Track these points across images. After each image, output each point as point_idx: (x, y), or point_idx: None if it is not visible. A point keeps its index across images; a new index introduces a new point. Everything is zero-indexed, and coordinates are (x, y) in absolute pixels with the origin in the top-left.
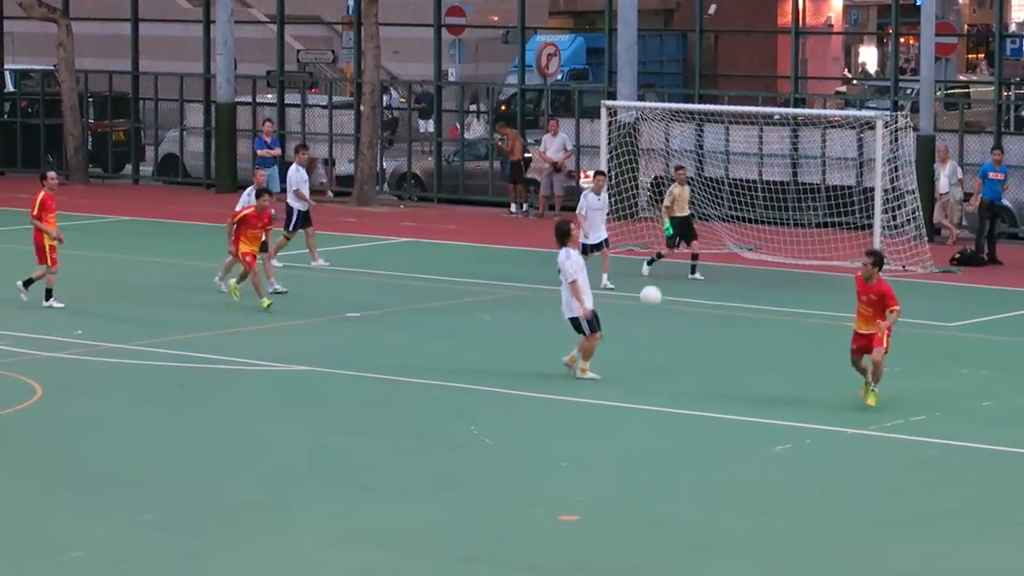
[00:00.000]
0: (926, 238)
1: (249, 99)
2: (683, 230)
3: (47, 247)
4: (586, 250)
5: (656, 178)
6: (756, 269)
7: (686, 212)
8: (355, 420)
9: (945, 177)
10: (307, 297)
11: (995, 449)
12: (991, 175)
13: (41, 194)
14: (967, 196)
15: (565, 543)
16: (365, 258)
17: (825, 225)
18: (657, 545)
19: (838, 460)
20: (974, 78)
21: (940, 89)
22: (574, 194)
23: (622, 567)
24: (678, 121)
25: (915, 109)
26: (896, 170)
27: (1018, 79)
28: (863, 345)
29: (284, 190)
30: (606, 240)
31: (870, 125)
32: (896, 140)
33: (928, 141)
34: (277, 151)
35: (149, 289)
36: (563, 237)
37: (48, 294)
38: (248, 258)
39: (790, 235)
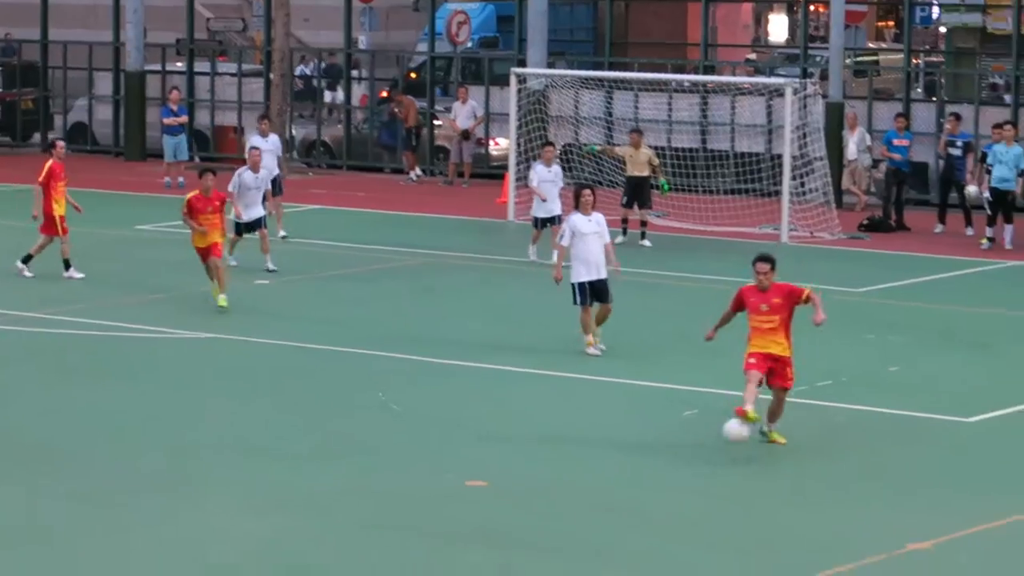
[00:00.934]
0: (834, 204)
1: (159, 67)
2: (637, 192)
3: (56, 217)
4: (537, 223)
5: (565, 146)
6: (665, 235)
7: (643, 173)
8: (264, 387)
9: (854, 144)
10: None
11: (901, 414)
12: (895, 142)
13: (50, 162)
14: (875, 163)
15: (474, 509)
16: (274, 225)
17: (734, 192)
18: (565, 510)
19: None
20: (883, 45)
21: (849, 56)
22: (483, 161)
23: (531, 532)
24: (588, 89)
25: (824, 76)
26: (805, 137)
27: (927, 47)
28: (771, 368)
29: (192, 159)
30: (559, 216)
31: (779, 92)
32: (805, 107)
33: (837, 108)
34: (184, 119)
35: (59, 258)
36: (575, 200)
37: (67, 264)
38: (200, 254)
39: (699, 202)
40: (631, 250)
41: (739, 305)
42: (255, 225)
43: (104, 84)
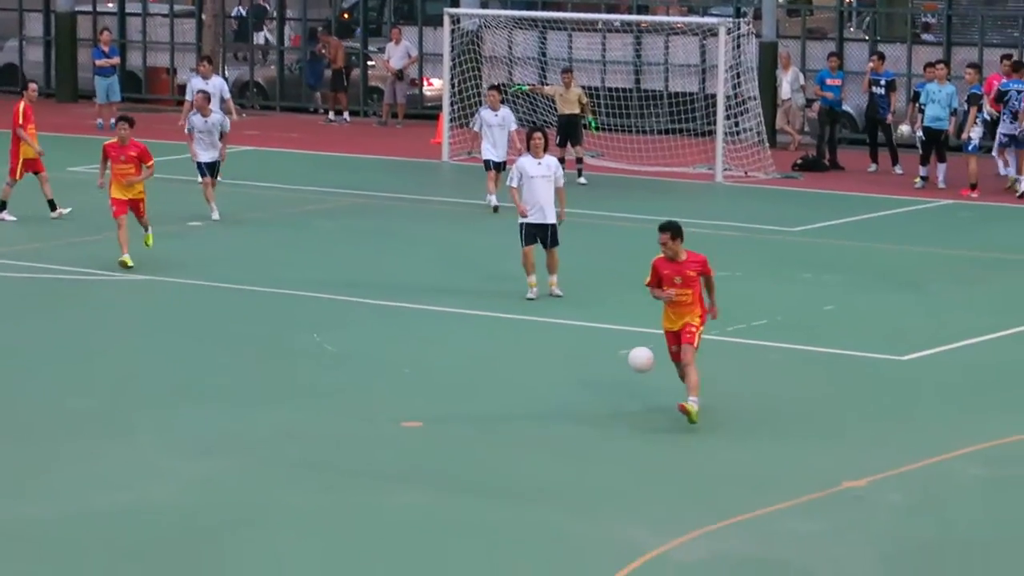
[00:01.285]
0: (768, 144)
1: (90, 8)
2: (569, 130)
3: (21, 161)
4: (489, 166)
5: (499, 86)
6: (600, 175)
7: (574, 111)
8: (196, 329)
9: (787, 83)
10: (149, 206)
11: (836, 353)
12: (828, 81)
13: (22, 104)
14: (809, 102)
15: (408, 449)
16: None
17: (668, 132)
18: (500, 451)
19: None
20: None
21: None
22: (416, 102)
23: (466, 473)
24: (521, 29)
25: (758, 16)
26: (738, 76)
27: None
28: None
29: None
30: (503, 163)
31: (713, 32)
32: (739, 47)
33: (770, 48)
34: (115, 60)
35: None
36: (526, 142)
37: (2, 205)
38: (114, 207)
39: (633, 142)
40: (568, 189)
41: (655, 278)
42: (214, 167)
43: (35, 25)
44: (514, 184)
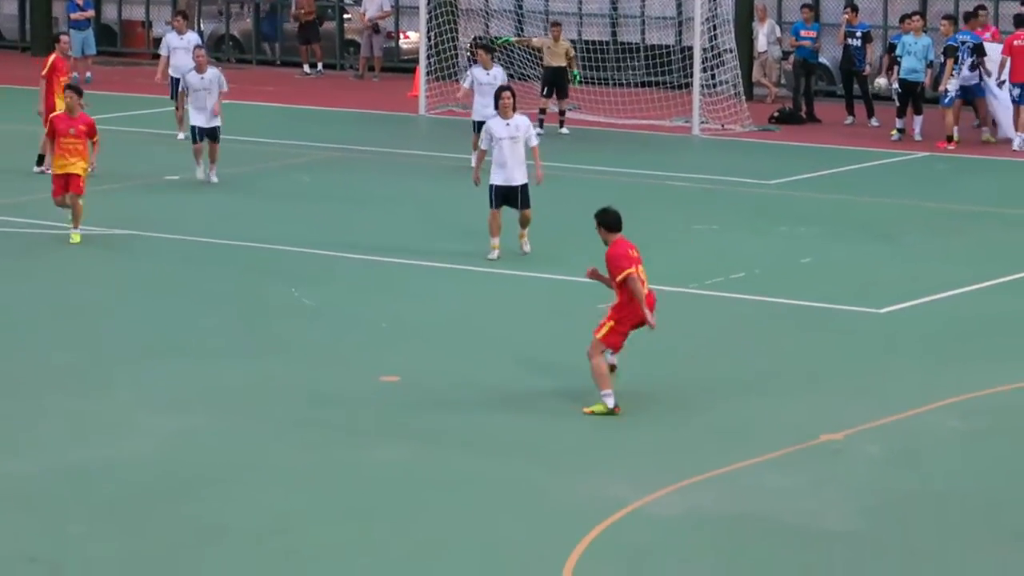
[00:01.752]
0: (744, 97)
1: None
2: (555, 81)
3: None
4: (475, 127)
5: (476, 39)
6: (577, 128)
7: (562, 64)
8: (173, 284)
9: (763, 36)
10: (126, 160)
11: (814, 306)
12: (803, 32)
13: (53, 56)
14: (785, 55)
15: (386, 404)
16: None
17: (645, 84)
18: (474, 404)
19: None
20: None
21: None
22: (393, 55)
23: (444, 427)
24: None
25: None
26: (715, 29)
27: None
28: None
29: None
30: None
31: None
32: None
33: (746, 0)
34: (90, 13)
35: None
36: (494, 102)
37: (40, 160)
38: (53, 186)
39: (610, 94)
40: (547, 141)
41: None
42: (213, 133)
43: None
44: (483, 147)
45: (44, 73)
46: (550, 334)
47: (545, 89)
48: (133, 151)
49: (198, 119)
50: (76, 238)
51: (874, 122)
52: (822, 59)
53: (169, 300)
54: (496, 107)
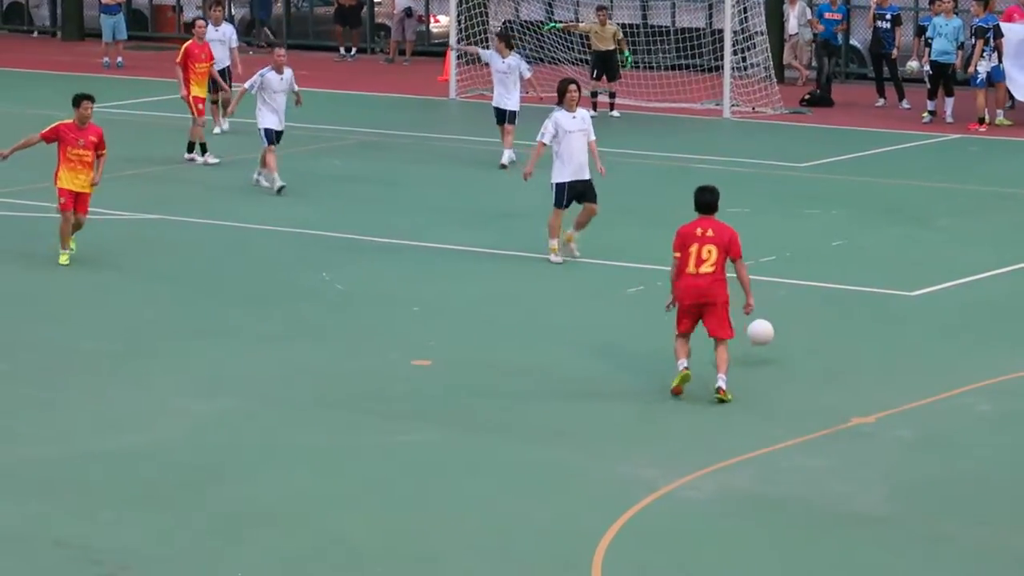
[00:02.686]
0: (775, 79)
1: None
2: (605, 64)
3: (191, 98)
4: (497, 117)
5: (506, 22)
6: (605, 112)
7: (610, 47)
8: (207, 268)
9: (794, 18)
10: (154, 145)
11: (845, 288)
12: (827, 15)
13: (188, 43)
14: (815, 36)
15: (419, 387)
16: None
17: (676, 67)
18: (505, 389)
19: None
20: None
21: None
22: (424, 39)
23: (476, 412)
24: None
25: None
26: (745, 12)
27: None
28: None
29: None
30: (513, 113)
31: None
32: None
33: None
34: None
35: None
36: (559, 96)
37: (191, 147)
38: (62, 199)
39: (641, 78)
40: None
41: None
42: (280, 136)
43: None
44: (545, 140)
45: (178, 60)
46: (585, 318)
47: (595, 71)
48: (162, 136)
49: (271, 121)
50: (74, 247)
51: (905, 104)
52: (853, 41)
53: (200, 284)
54: (560, 101)
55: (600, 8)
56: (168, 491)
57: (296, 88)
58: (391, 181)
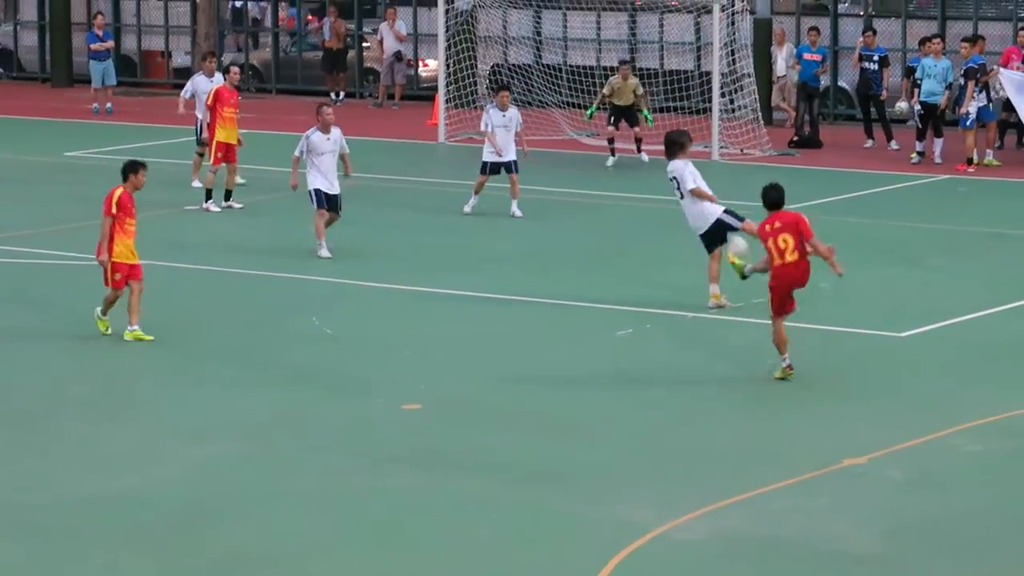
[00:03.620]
0: (763, 121)
1: None
2: (623, 115)
3: (215, 143)
4: (486, 168)
5: (494, 66)
6: (596, 155)
7: (628, 103)
8: (195, 313)
9: (782, 60)
10: (145, 190)
11: (834, 330)
12: (806, 56)
13: (218, 86)
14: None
15: (409, 431)
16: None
17: (664, 110)
18: (496, 430)
19: (678, 343)
20: None
21: None
22: (413, 83)
23: (465, 454)
24: (516, 8)
25: None
26: (733, 54)
27: None
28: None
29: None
30: (514, 163)
31: (707, 9)
32: (733, 24)
33: (765, 24)
34: (110, 44)
35: None
36: (672, 148)
37: (228, 195)
38: (118, 275)
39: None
40: (560, 166)
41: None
42: (335, 201)
43: (29, 9)
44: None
45: (208, 103)
46: (569, 359)
47: (611, 119)
48: (152, 181)
49: (320, 182)
50: (138, 334)
51: (893, 145)
52: (841, 83)
53: (188, 328)
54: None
55: (623, 63)
56: (161, 535)
57: (346, 150)
58: (380, 224)
